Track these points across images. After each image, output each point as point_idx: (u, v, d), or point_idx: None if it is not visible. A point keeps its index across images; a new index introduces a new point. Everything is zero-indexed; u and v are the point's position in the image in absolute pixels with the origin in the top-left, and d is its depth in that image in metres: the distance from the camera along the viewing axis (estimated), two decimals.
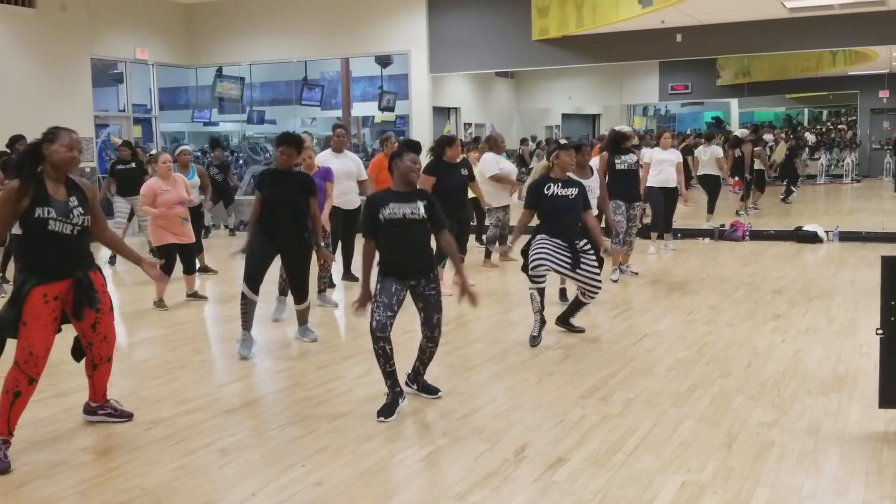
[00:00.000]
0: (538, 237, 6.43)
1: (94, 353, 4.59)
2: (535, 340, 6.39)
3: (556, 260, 6.33)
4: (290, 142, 6.33)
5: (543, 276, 6.36)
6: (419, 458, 4.23)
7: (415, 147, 5.05)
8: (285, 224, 6.26)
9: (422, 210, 4.83)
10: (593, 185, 7.92)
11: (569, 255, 6.33)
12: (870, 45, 14.28)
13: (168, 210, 8.10)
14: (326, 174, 7.73)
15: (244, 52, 15.96)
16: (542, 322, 6.44)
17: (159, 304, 8.14)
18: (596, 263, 6.47)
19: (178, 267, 8.41)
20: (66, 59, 13.79)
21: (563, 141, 6.67)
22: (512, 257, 10.01)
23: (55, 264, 4.25)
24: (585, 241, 6.47)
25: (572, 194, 6.47)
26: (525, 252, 6.50)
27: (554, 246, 6.35)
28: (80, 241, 4.36)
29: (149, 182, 8.28)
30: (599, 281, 6.47)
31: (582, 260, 6.35)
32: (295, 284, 6.50)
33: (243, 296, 6.28)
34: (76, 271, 4.31)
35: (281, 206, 6.24)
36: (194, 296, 8.57)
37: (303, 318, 6.71)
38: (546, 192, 6.48)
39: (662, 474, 3.91)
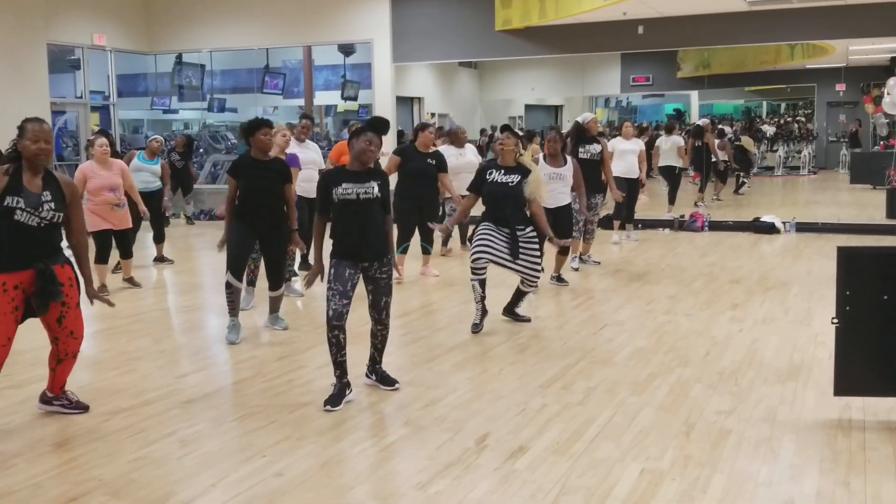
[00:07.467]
0: (482, 226, 6.43)
1: (59, 347, 4.57)
2: (476, 328, 6.46)
3: (494, 252, 6.34)
4: (263, 123, 6.29)
5: (483, 268, 6.40)
6: (380, 448, 4.23)
7: (378, 126, 4.85)
8: (265, 212, 6.25)
9: (375, 189, 4.79)
10: (566, 174, 7.96)
11: (509, 245, 6.32)
12: (827, 39, 14.50)
13: (96, 196, 8.02)
14: (293, 160, 7.68)
15: (204, 38, 15.73)
16: (484, 312, 6.50)
17: (101, 289, 7.99)
18: (537, 252, 6.45)
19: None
20: (21, 44, 13.47)
21: (510, 129, 6.56)
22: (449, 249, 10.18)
23: (16, 254, 4.27)
24: (531, 227, 6.44)
25: (513, 181, 6.37)
26: (472, 240, 6.53)
27: (495, 237, 6.34)
28: (46, 235, 4.36)
29: (82, 166, 8.22)
30: (539, 271, 6.48)
31: (521, 249, 6.35)
32: (272, 271, 6.51)
33: (228, 284, 6.30)
34: (37, 263, 4.31)
35: (260, 195, 6.23)
36: (130, 281, 8.51)
37: (276, 305, 6.72)
38: (487, 177, 6.46)
39: (622, 462, 3.96)
